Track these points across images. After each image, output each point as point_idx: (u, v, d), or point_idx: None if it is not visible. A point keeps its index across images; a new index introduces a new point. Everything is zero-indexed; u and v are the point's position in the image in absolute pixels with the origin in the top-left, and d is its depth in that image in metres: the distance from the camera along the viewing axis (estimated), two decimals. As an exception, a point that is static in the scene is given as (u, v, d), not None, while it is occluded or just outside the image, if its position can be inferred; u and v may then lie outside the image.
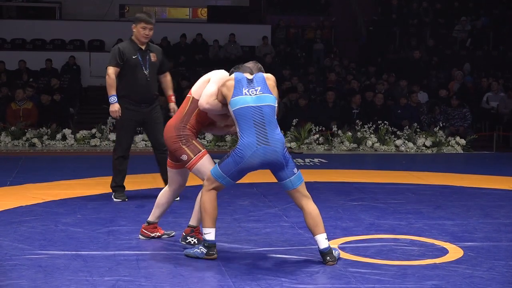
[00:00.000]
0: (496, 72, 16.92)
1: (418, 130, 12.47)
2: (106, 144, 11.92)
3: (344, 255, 4.88)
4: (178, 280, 4.28)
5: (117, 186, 6.95)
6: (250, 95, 4.65)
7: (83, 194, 7.17)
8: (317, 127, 12.36)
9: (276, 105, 4.71)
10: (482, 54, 18.27)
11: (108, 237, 5.35)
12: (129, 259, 4.71)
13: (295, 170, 4.68)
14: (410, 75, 15.42)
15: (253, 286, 4.19)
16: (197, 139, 4.96)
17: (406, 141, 12.21)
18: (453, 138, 12.33)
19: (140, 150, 11.76)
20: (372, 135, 12.21)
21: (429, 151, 12.04)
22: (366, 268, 4.56)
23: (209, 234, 4.72)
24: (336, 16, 19.79)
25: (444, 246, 5.18)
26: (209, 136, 12.10)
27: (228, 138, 11.96)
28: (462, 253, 4.98)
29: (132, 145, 11.87)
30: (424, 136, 12.27)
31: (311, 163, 9.98)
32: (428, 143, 12.14)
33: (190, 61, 16.99)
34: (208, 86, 4.85)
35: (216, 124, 5.04)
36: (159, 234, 5.33)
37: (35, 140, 11.91)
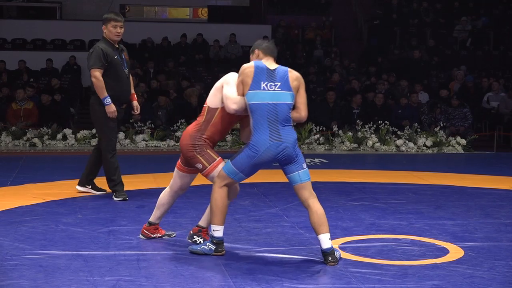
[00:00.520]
0: (497, 72, 16.92)
1: (418, 130, 12.47)
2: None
3: (344, 255, 4.88)
4: (179, 280, 4.28)
5: (117, 185, 6.96)
6: (268, 89, 4.65)
7: (83, 194, 7.17)
8: (318, 127, 12.36)
9: (301, 110, 4.74)
10: (483, 54, 18.27)
11: (108, 237, 5.35)
12: (129, 259, 4.71)
13: (304, 165, 4.71)
14: (411, 75, 15.42)
15: (253, 286, 4.19)
16: (212, 148, 4.93)
17: (407, 141, 12.21)
18: (453, 138, 12.33)
19: (141, 150, 11.76)
20: (372, 135, 12.21)
21: (429, 151, 12.04)
22: (367, 268, 4.56)
23: (218, 231, 4.74)
24: (336, 16, 19.79)
25: (445, 246, 5.18)
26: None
27: (229, 138, 11.95)
28: (463, 253, 4.98)
29: (132, 145, 12.03)
30: (424, 136, 12.27)
31: (311, 163, 9.98)
32: (428, 143, 12.14)
33: (191, 61, 16.99)
34: (226, 89, 4.79)
35: (244, 127, 4.99)
36: (160, 235, 5.33)
37: (36, 140, 11.91)
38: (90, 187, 7.14)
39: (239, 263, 4.67)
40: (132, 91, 7.19)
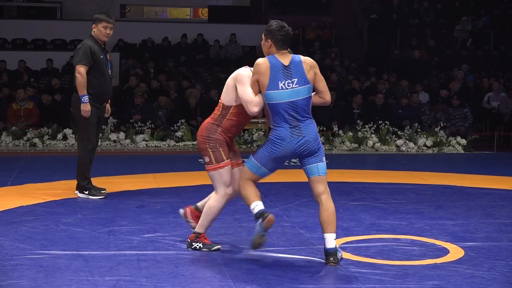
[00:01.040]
0: (497, 72, 16.91)
1: (419, 130, 12.47)
2: (107, 144, 11.92)
3: (345, 255, 4.88)
4: (179, 280, 4.28)
5: (90, 182, 6.98)
6: (286, 88, 4.61)
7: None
8: (318, 127, 12.35)
9: (324, 94, 4.72)
10: (483, 54, 18.26)
11: (108, 237, 5.35)
12: (130, 259, 4.71)
13: (324, 159, 4.72)
14: (411, 75, 15.41)
15: (253, 286, 4.19)
16: (227, 147, 4.90)
17: (407, 141, 12.21)
18: (454, 138, 12.33)
19: (141, 150, 11.76)
20: (373, 135, 12.21)
21: (430, 151, 12.04)
22: (367, 268, 4.56)
23: (257, 206, 4.65)
24: (337, 16, 19.79)
25: (445, 246, 5.18)
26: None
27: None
28: (463, 253, 4.98)
29: (132, 145, 12.02)
30: (425, 136, 12.27)
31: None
32: (429, 143, 12.14)
33: (191, 61, 16.99)
34: (242, 90, 4.71)
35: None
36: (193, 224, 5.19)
37: (36, 140, 11.91)
38: (87, 192, 7.07)
39: (239, 263, 4.67)
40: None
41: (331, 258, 4.62)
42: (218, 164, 4.84)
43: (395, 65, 16.76)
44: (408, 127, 12.51)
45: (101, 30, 6.93)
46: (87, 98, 6.79)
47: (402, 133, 12.33)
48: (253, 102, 4.68)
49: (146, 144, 12.01)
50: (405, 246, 5.17)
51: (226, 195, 4.91)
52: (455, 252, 5.01)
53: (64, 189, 7.40)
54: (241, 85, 4.73)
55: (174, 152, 11.58)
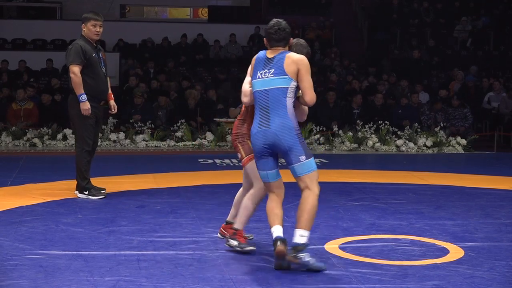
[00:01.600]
0: (497, 72, 16.91)
1: (419, 130, 12.47)
2: (107, 144, 11.92)
3: (344, 255, 4.88)
4: (179, 280, 4.28)
5: (89, 182, 6.98)
6: (262, 78, 4.60)
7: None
8: (318, 127, 12.36)
9: (304, 94, 4.53)
10: (483, 54, 18.26)
11: (108, 237, 5.35)
12: (129, 259, 4.71)
13: (303, 158, 4.50)
14: (411, 75, 15.41)
15: (253, 286, 4.19)
16: None
17: (407, 141, 12.21)
18: (453, 138, 12.33)
19: (141, 150, 11.76)
20: (373, 135, 12.21)
21: (430, 151, 12.04)
22: (367, 268, 4.56)
23: (274, 232, 4.53)
24: (337, 16, 19.79)
25: (445, 246, 5.18)
26: (209, 136, 12.10)
27: (229, 138, 11.95)
28: (463, 253, 4.98)
29: (132, 145, 12.03)
30: (425, 136, 12.27)
31: (311, 163, 9.97)
32: (429, 143, 12.14)
33: (191, 61, 17.00)
34: (244, 81, 4.92)
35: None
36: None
37: (36, 140, 11.92)
38: (87, 192, 7.06)
39: (239, 263, 4.67)
40: (109, 90, 7.20)
41: (292, 253, 4.44)
42: (248, 156, 4.88)
43: (395, 65, 16.76)
44: (408, 127, 12.51)
45: (90, 29, 6.94)
46: (85, 97, 6.79)
47: (402, 133, 12.34)
48: (243, 92, 4.83)
49: (146, 144, 12.01)
50: (405, 246, 5.17)
51: (262, 189, 4.86)
52: (455, 252, 5.01)
53: (64, 189, 7.40)
54: (246, 77, 4.92)
55: (174, 152, 11.58)
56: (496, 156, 11.89)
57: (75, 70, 6.80)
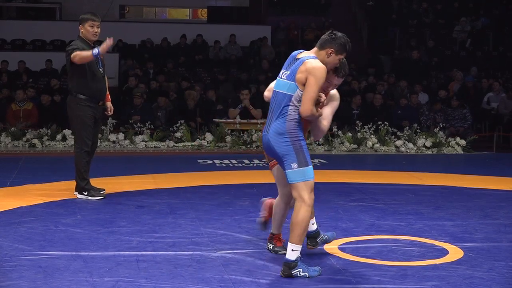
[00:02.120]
0: (496, 72, 16.92)
1: (418, 130, 12.47)
2: (106, 145, 11.91)
3: (344, 255, 4.88)
4: (178, 281, 4.28)
5: (88, 182, 6.97)
6: (280, 78, 4.48)
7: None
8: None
9: (303, 98, 4.30)
10: (482, 54, 18.27)
11: (108, 237, 5.35)
12: (129, 260, 4.71)
13: (294, 165, 4.32)
14: (410, 76, 15.41)
15: (253, 287, 4.19)
16: None
17: (406, 142, 12.20)
18: (453, 139, 12.33)
19: (140, 151, 11.75)
20: (372, 136, 12.20)
21: (429, 152, 12.03)
22: (366, 269, 4.56)
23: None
24: (336, 16, 19.79)
25: (444, 247, 5.18)
26: (209, 136, 12.09)
27: (228, 138, 11.94)
28: (462, 253, 4.99)
29: (132, 146, 12.02)
30: (424, 136, 12.27)
31: (311, 163, 9.96)
32: (428, 143, 12.13)
33: (190, 62, 16.99)
34: None
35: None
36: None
37: (35, 141, 11.90)
38: (86, 193, 7.06)
39: (239, 264, 4.67)
40: (107, 91, 7.17)
41: (282, 269, 4.39)
42: (273, 160, 4.75)
43: (394, 65, 16.76)
44: (407, 127, 12.51)
45: (88, 30, 6.92)
46: (96, 49, 6.67)
47: (402, 134, 12.33)
48: (269, 85, 4.79)
49: (145, 144, 12.00)
50: (404, 247, 5.17)
51: (282, 196, 4.82)
52: (454, 252, 5.01)
53: (63, 189, 7.39)
54: None
55: (173, 152, 11.57)
56: (496, 156, 11.89)
57: (77, 51, 6.72)
